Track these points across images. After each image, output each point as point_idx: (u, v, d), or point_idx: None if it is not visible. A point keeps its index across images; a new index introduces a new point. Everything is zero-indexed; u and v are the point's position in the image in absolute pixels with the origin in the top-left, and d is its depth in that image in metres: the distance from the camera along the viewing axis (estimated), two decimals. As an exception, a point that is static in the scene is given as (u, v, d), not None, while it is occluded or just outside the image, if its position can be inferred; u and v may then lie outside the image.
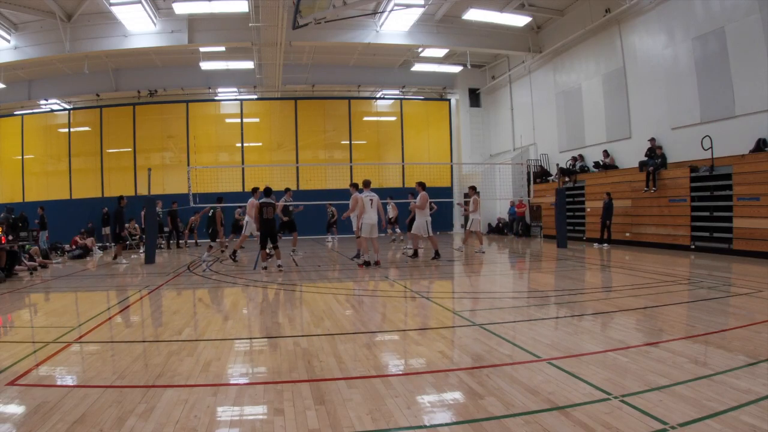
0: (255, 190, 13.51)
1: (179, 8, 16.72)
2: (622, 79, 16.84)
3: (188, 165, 22.49)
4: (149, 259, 14.16)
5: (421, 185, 13.07)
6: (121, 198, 15.03)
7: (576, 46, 18.87)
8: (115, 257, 14.94)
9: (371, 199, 11.76)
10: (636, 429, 3.04)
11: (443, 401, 3.63)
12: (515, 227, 22.26)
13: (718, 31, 13.14)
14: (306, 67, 23.87)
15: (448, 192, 25.86)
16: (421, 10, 17.68)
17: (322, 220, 20.94)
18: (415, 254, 13.23)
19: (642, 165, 15.26)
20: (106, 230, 20.67)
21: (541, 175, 20.87)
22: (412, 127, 27.31)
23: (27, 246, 13.83)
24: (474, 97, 26.48)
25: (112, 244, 15.26)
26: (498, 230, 23.75)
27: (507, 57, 23.53)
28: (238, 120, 25.88)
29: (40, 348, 5.26)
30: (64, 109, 24.85)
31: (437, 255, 12.80)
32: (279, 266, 11.57)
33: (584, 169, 18.57)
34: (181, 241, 20.38)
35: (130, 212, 19.24)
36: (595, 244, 15.65)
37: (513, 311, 6.77)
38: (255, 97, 26.14)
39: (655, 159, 14.79)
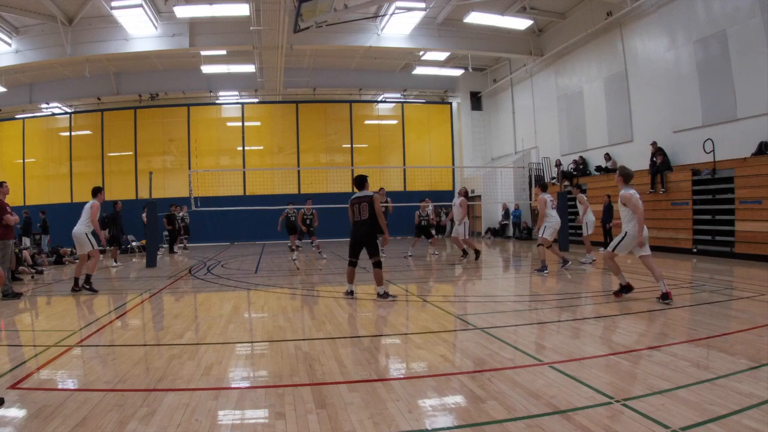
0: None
1: (180, 12, 16.76)
2: (624, 83, 16.84)
3: (189, 168, 22.54)
4: (150, 263, 14.17)
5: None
6: (116, 203, 15.30)
7: (578, 49, 18.89)
8: (114, 261, 15.13)
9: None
10: (638, 433, 3.03)
11: (445, 405, 3.63)
12: (515, 230, 22.28)
13: (720, 34, 13.15)
14: (307, 70, 23.93)
15: (449, 195, 25.85)
16: (422, 14, 17.71)
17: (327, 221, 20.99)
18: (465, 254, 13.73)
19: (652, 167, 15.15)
20: (106, 234, 20.68)
21: (537, 182, 20.77)
22: (414, 131, 27.34)
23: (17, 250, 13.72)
24: (475, 101, 26.50)
25: (110, 247, 15.38)
26: (499, 233, 23.72)
27: (508, 60, 23.57)
28: (240, 123, 25.92)
29: (41, 351, 5.26)
30: (66, 113, 24.92)
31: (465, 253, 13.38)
32: (381, 294, 8.30)
33: (586, 173, 18.58)
34: (175, 246, 20.34)
35: (131, 216, 19.30)
36: (600, 249, 15.57)
37: (515, 315, 6.76)
38: (256, 100, 26.21)
39: (657, 160, 14.77)
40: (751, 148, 12.23)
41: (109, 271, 13.62)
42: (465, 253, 13.89)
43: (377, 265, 8.04)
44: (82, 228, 9.77)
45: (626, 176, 7.67)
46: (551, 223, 10.97)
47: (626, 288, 7.59)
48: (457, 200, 13.67)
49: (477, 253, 13.60)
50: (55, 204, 23.48)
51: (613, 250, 7.56)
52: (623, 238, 7.43)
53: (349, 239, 8.23)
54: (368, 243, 7.94)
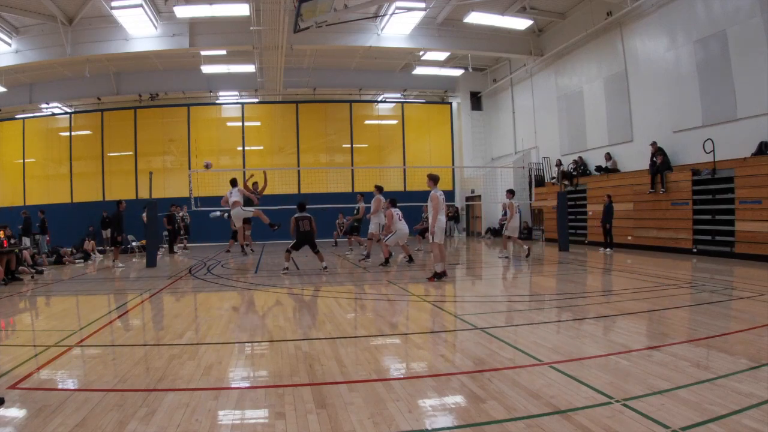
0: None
1: (180, 12, 16.75)
2: (624, 83, 16.84)
3: (189, 168, 22.51)
4: (150, 263, 14.16)
5: (391, 202, 13.07)
6: (119, 202, 15.02)
7: (578, 49, 18.89)
8: (113, 261, 14.95)
9: None
10: (638, 433, 3.03)
11: (445, 405, 3.63)
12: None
13: (720, 34, 13.15)
14: (307, 70, 23.91)
15: (449, 195, 25.87)
16: (422, 14, 17.70)
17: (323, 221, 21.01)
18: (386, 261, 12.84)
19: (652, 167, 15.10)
20: (107, 233, 20.64)
21: (538, 183, 20.70)
22: (414, 131, 27.33)
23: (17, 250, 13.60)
24: (475, 101, 26.49)
25: (111, 247, 15.30)
26: (499, 233, 23.68)
27: (508, 60, 23.56)
28: (240, 124, 25.91)
29: (41, 351, 5.26)
30: (66, 113, 24.90)
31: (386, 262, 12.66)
32: (325, 268, 11.88)
33: (586, 173, 18.58)
34: (175, 246, 20.33)
35: (131, 216, 19.27)
36: (600, 249, 15.60)
37: (515, 315, 6.76)
38: (256, 100, 26.19)
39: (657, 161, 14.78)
40: (751, 148, 12.23)
41: (113, 272, 13.61)
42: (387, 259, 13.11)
43: (319, 252, 11.87)
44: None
45: (435, 179, 10.18)
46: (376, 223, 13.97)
47: (440, 275, 9.81)
48: (374, 198, 13.83)
49: (386, 260, 13.03)
50: (55, 204, 23.48)
51: (433, 240, 9.80)
52: (436, 228, 9.75)
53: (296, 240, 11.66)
54: (312, 243, 11.76)
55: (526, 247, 14.42)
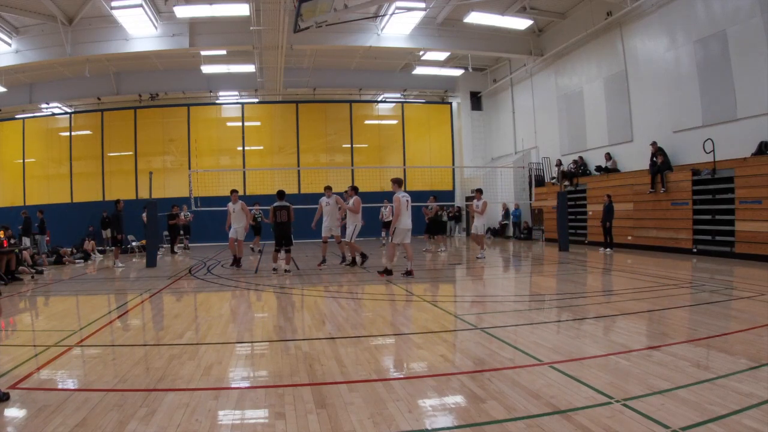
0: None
1: (180, 12, 16.75)
2: (624, 83, 16.84)
3: (189, 168, 22.52)
4: (150, 263, 14.15)
5: (354, 189, 12.51)
6: (117, 201, 14.94)
7: (578, 49, 18.88)
8: (114, 261, 14.92)
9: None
10: (638, 433, 3.03)
11: (445, 405, 3.63)
12: (515, 230, 22.33)
13: (720, 34, 13.14)
14: (307, 70, 23.92)
15: (450, 195, 25.88)
16: (422, 14, 17.70)
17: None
18: (353, 262, 12.69)
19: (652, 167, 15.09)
20: (107, 233, 20.61)
21: (538, 183, 20.68)
22: (414, 131, 27.34)
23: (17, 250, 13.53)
24: (475, 101, 26.50)
25: (111, 247, 15.25)
26: (499, 233, 23.71)
27: (508, 60, 23.57)
28: (240, 123, 25.93)
29: (41, 351, 5.26)
30: (66, 113, 24.91)
31: (353, 261, 12.51)
32: (286, 270, 11.65)
33: (586, 173, 18.58)
34: (176, 246, 20.29)
35: (131, 216, 19.27)
36: (600, 249, 15.58)
37: (515, 315, 6.75)
38: (256, 100, 26.20)
39: (657, 161, 14.77)
40: (751, 148, 12.23)
41: (113, 271, 13.61)
42: (344, 258, 13.23)
43: (289, 251, 11.63)
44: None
45: (398, 183, 10.52)
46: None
47: (389, 271, 10.51)
48: (330, 199, 13.04)
49: (343, 257, 13.28)
50: (54, 204, 23.48)
51: (392, 241, 10.43)
52: (395, 230, 10.30)
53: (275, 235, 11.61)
54: (287, 237, 11.51)
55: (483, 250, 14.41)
